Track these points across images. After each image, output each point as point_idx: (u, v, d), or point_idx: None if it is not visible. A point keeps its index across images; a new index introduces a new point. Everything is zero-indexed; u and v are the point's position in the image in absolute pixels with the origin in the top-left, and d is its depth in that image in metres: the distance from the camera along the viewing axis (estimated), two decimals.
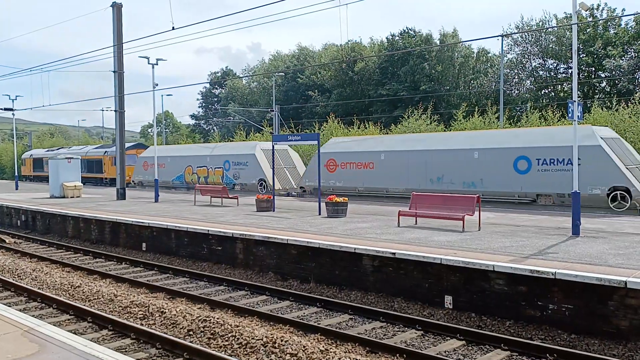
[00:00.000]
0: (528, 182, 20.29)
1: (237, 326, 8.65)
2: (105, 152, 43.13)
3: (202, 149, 36.77)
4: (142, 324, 9.25)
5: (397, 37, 56.44)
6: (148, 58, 25.54)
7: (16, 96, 38.52)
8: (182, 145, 47.51)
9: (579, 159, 13.24)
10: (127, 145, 39.22)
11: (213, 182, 33.28)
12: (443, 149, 22.90)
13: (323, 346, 7.79)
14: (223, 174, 33.26)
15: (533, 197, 20.31)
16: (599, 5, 44.28)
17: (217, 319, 9.06)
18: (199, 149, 37.63)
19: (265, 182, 30.30)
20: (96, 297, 11.06)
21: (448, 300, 10.05)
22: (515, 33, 47.40)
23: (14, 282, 12.47)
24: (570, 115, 12.61)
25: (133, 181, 39.16)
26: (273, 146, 20.65)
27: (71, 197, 27.25)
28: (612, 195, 18.31)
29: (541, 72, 49.10)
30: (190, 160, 35.88)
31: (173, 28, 17.70)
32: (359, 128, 38.22)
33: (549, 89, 48.32)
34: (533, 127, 27.25)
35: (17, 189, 36.74)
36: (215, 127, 77.58)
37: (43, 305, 10.83)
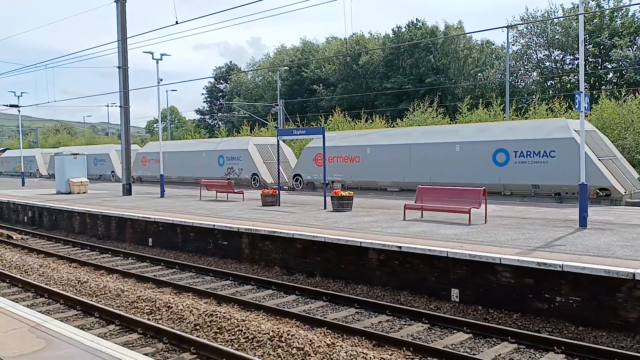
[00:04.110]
0: None
1: (244, 320, 8.65)
2: None
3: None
4: (149, 319, 9.26)
5: (403, 29, 56.15)
6: (152, 53, 25.57)
7: (22, 93, 38.68)
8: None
9: None
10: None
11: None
12: None
13: (329, 340, 7.78)
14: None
15: None
16: None
17: (224, 313, 9.06)
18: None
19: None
20: (103, 293, 11.09)
21: (454, 293, 10.02)
22: (520, 24, 47.05)
23: (21, 278, 12.52)
24: (577, 106, 12.53)
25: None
26: (278, 142, 20.62)
27: (77, 193, 27.33)
28: None
29: (547, 64, 48.77)
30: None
31: (177, 22, 17.65)
32: (366, 121, 38.09)
33: (556, 81, 48.00)
34: None
35: (23, 185, 36.91)
36: (220, 122, 77.64)
37: (50, 301, 10.88)
